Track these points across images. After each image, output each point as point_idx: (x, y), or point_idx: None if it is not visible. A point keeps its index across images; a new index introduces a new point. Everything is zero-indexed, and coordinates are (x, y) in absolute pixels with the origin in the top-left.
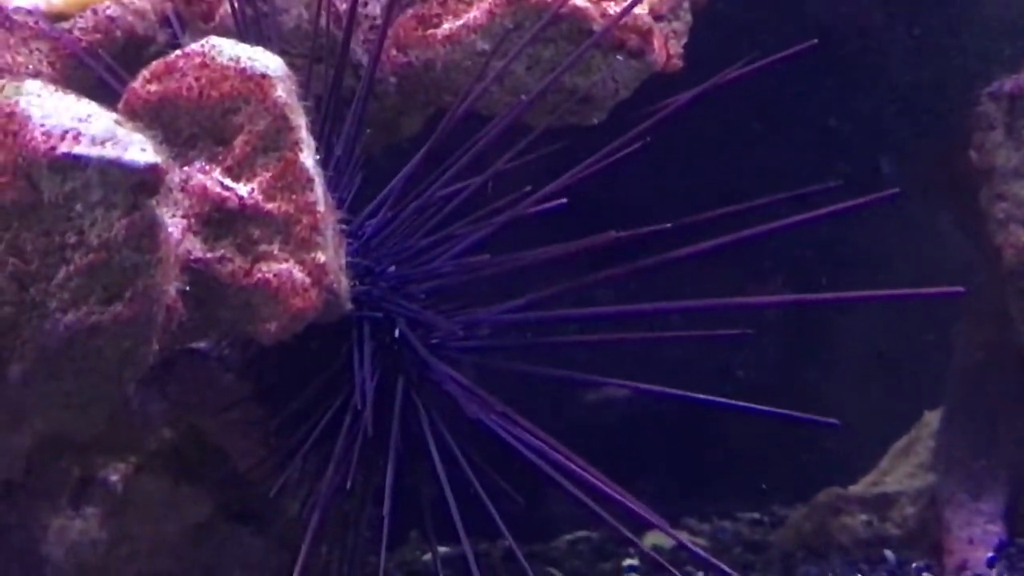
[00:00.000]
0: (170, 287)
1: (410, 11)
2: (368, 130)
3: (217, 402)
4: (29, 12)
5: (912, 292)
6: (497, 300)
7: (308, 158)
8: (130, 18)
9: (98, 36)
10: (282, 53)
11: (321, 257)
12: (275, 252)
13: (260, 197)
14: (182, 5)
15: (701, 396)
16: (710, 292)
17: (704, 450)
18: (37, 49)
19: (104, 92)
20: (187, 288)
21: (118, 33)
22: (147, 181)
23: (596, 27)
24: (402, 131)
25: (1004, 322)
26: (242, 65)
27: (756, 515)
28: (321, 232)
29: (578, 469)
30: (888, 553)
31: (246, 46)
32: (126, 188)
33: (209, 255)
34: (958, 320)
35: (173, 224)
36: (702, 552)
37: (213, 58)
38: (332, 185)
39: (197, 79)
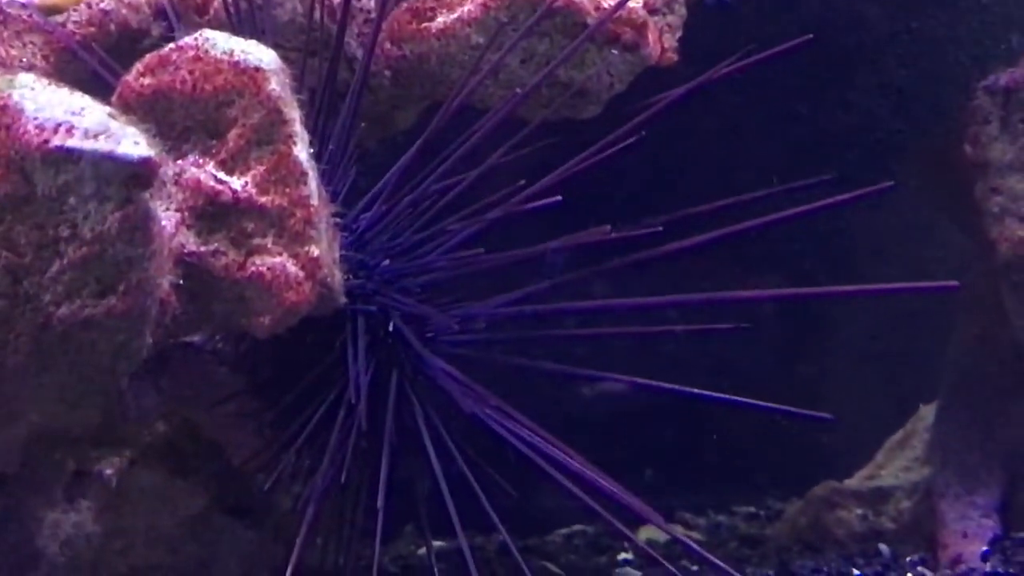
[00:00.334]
0: (164, 280)
1: (404, 4)
2: (362, 124)
3: (211, 396)
4: (23, 5)
5: (908, 286)
6: (492, 294)
7: (302, 151)
8: (124, 11)
9: (92, 29)
10: (276, 46)
11: (315, 251)
12: (269, 246)
13: (254, 190)
14: None
15: (697, 391)
16: (707, 287)
17: (700, 444)
18: (31, 42)
19: (98, 85)
20: (181, 281)
21: (112, 26)
22: (140, 174)
23: (591, 21)
24: (396, 125)
25: (999, 316)
26: (236, 58)
27: (752, 509)
28: (315, 226)
29: (573, 463)
30: (883, 547)
31: (240, 39)
32: (119, 181)
33: (203, 248)
34: (954, 314)
35: (167, 217)
36: (696, 547)
37: (207, 51)
38: (326, 179)
39: (191, 72)
